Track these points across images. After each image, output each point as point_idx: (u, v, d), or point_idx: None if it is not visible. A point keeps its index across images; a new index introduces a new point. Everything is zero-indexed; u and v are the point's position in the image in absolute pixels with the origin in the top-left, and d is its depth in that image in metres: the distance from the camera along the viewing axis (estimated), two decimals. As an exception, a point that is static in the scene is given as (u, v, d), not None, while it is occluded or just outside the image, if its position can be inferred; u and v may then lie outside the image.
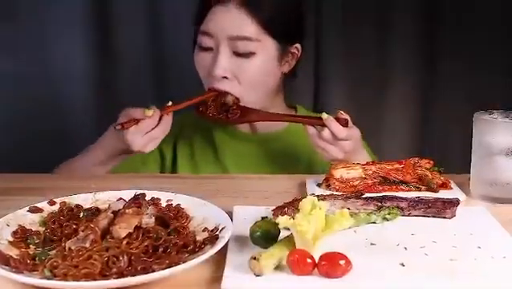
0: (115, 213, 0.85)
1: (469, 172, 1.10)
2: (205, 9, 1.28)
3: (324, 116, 1.20)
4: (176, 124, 1.34)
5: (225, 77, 1.27)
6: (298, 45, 1.36)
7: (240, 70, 1.27)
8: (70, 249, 0.76)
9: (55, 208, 0.92)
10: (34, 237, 0.84)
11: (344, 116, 1.21)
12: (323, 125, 1.20)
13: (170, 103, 1.23)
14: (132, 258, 0.74)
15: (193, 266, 0.74)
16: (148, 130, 1.19)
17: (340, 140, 1.19)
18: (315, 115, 1.31)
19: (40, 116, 1.84)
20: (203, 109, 1.30)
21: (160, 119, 1.21)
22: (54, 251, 0.79)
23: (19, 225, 0.86)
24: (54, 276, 0.71)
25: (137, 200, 0.89)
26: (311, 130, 1.22)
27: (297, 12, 1.36)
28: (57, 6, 1.81)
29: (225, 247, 0.79)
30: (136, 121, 1.18)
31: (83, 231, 0.80)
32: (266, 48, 1.28)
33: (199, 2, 1.32)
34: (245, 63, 1.27)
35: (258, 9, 1.25)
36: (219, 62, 1.26)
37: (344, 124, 1.20)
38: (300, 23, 1.37)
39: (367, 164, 1.12)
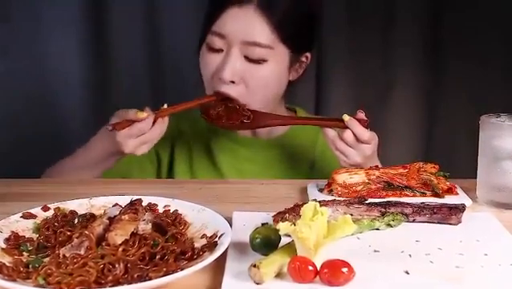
0: (111, 220, 0.83)
1: (475, 177, 1.08)
2: (220, 8, 1.23)
3: (346, 117, 1.16)
4: (174, 128, 1.32)
5: (232, 82, 1.23)
6: (308, 54, 1.32)
7: (249, 75, 1.23)
8: (64, 256, 0.75)
9: (49, 214, 0.91)
10: (28, 244, 0.83)
11: (364, 116, 1.17)
12: (344, 127, 1.16)
13: (165, 106, 1.20)
14: (129, 265, 0.73)
15: (191, 274, 0.72)
16: (140, 133, 1.16)
17: (362, 142, 1.15)
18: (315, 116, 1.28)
19: (35, 117, 1.84)
20: (213, 116, 1.24)
21: (155, 122, 1.17)
22: (48, 259, 0.77)
23: (12, 231, 0.85)
24: (48, 284, 0.70)
25: (134, 206, 0.88)
26: (330, 132, 1.18)
27: (308, 19, 1.31)
28: (53, 6, 1.81)
29: (224, 254, 0.78)
30: (129, 123, 1.15)
31: (77, 238, 0.79)
32: (278, 56, 1.24)
33: (211, 0, 1.27)
34: (255, 68, 1.23)
35: (273, 13, 1.21)
36: (229, 65, 1.21)
37: (365, 125, 1.16)
38: (312, 31, 1.33)
39: (370, 168, 1.10)
